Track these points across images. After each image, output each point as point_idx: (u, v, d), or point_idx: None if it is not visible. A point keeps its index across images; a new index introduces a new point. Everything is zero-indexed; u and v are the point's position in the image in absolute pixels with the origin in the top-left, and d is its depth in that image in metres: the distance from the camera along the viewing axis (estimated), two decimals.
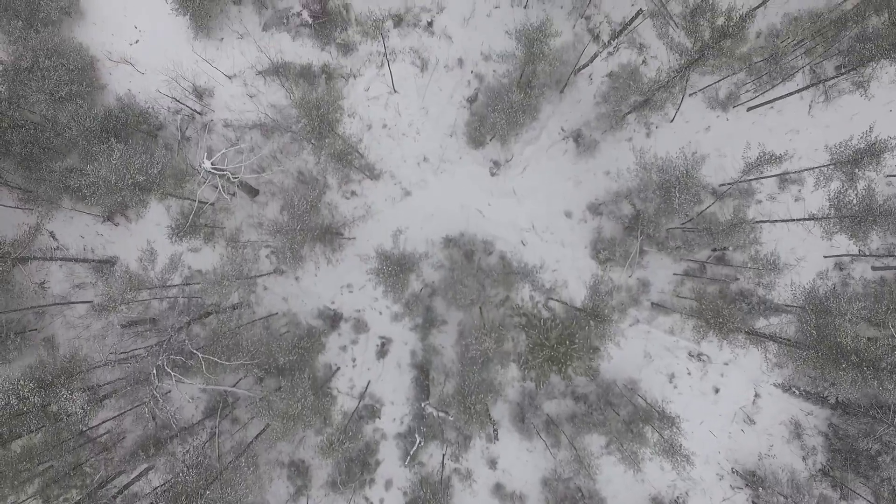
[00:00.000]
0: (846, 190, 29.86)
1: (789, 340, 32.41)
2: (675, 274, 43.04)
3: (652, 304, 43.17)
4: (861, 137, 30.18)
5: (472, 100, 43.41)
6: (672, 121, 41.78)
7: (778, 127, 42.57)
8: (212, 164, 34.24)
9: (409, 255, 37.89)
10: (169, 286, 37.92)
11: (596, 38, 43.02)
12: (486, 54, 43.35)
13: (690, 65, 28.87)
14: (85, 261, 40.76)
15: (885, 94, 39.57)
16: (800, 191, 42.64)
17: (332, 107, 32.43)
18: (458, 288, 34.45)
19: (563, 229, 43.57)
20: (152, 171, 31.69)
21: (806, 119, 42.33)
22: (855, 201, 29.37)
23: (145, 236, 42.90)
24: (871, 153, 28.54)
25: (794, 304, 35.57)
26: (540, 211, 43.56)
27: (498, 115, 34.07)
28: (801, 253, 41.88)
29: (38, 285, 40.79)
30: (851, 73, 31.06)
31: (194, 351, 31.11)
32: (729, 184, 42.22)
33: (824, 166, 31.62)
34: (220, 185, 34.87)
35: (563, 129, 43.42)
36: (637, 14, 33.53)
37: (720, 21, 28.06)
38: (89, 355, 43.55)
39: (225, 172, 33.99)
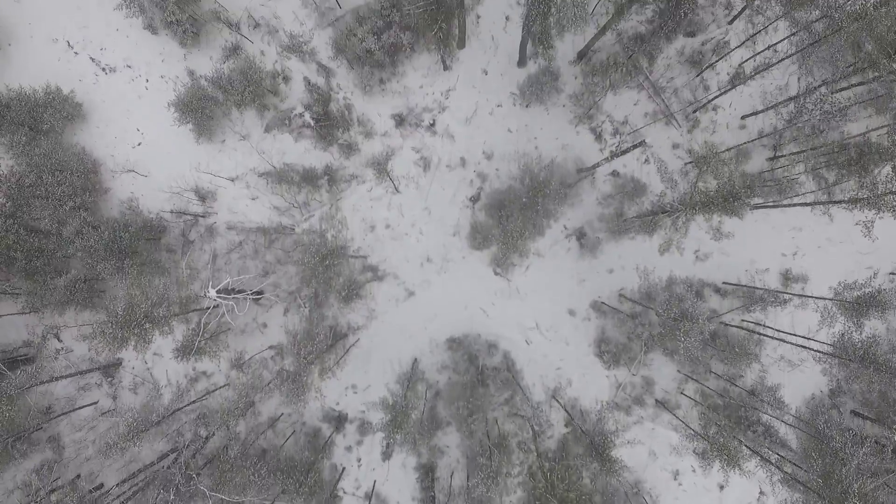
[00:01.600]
0: (851, 333, 29.91)
1: (795, 464, 32.46)
2: (679, 371, 43.08)
3: (656, 401, 43.25)
4: (865, 281, 30.25)
5: (474, 199, 43.46)
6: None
7: (781, 224, 42.54)
8: (217, 292, 34.28)
9: (413, 381, 37.90)
10: (175, 410, 37.91)
11: (598, 137, 43.07)
12: (489, 153, 43.42)
13: (693, 209, 28.96)
14: (90, 371, 40.80)
15: None
16: (803, 288, 42.65)
17: (336, 259, 32.53)
18: (464, 424, 34.50)
19: (566, 327, 43.61)
20: (158, 313, 31.74)
21: (809, 217, 42.24)
22: (859, 344, 29.43)
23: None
24: (875, 304, 28.61)
25: (798, 421, 35.60)
26: (544, 309, 43.60)
27: (504, 246, 34.16)
28: (805, 354, 41.93)
29: (44, 411, 40.87)
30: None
31: (203, 489, 31.18)
32: (732, 284, 42.41)
33: (828, 299, 31.67)
34: (225, 310, 34.93)
35: (565, 228, 43.44)
36: (640, 143, 33.53)
37: (725, 174, 28.06)
38: (93, 457, 44.08)
39: (230, 302, 34.04)
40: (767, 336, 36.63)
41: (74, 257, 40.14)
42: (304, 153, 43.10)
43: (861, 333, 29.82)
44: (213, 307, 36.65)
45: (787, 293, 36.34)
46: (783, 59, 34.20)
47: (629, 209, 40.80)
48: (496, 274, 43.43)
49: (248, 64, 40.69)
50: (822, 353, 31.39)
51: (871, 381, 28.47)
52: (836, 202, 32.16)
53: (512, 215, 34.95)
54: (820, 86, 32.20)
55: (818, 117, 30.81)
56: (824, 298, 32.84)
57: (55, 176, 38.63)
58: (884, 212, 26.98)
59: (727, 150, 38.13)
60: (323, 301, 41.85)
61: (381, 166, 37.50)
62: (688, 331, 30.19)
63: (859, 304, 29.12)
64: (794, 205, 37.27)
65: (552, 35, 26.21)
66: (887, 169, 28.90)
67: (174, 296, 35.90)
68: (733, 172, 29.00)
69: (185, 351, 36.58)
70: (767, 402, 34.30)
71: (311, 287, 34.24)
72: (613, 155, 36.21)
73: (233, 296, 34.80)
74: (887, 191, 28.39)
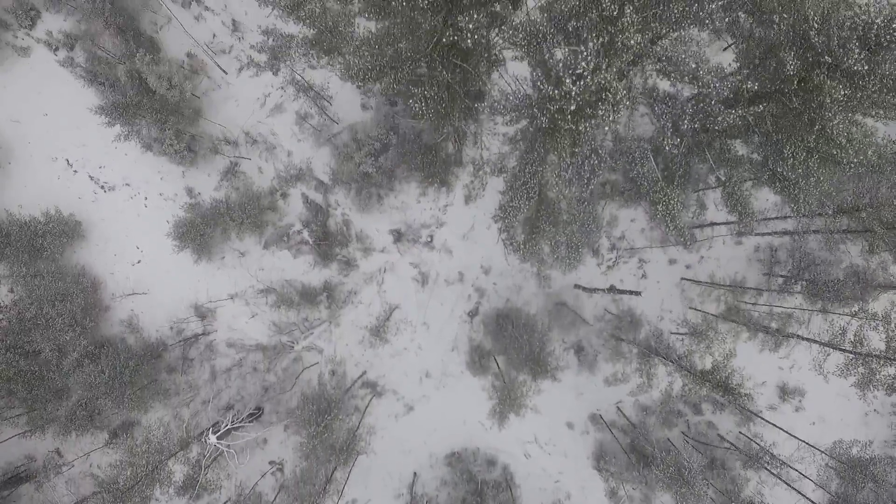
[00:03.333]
0: (848, 495, 30.23)
1: None
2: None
3: None
4: (862, 447, 30.56)
5: (472, 314, 43.68)
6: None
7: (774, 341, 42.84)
8: (216, 437, 34.50)
9: None
10: None
11: (596, 252, 43.26)
12: (486, 268, 43.63)
13: (690, 387, 29.29)
14: (89, 498, 40.99)
15: None
16: (800, 401, 42.95)
17: (336, 415, 32.83)
18: None
19: (565, 440, 43.85)
20: (160, 473, 32.01)
21: (802, 331, 42.56)
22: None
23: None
24: (870, 477, 28.89)
25: None
26: (542, 423, 43.81)
27: (501, 405, 34.47)
28: (803, 469, 42.17)
29: None
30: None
31: None
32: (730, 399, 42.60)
33: (823, 452, 31.94)
34: (226, 453, 35.14)
35: (564, 341, 43.67)
36: (636, 293, 33.82)
37: (723, 349, 28.35)
38: None
39: (231, 450, 34.27)
40: (766, 468, 36.93)
41: (74, 389, 40.38)
42: (303, 270, 43.31)
43: (857, 497, 30.20)
44: (214, 444, 36.83)
45: (782, 430, 36.58)
46: (776, 217, 34.46)
47: (626, 334, 41.03)
48: (494, 389, 43.62)
49: (246, 192, 40.98)
50: None
51: None
52: (833, 347, 32.36)
53: (511, 367, 35.20)
54: (816, 230, 32.48)
55: (814, 291, 31.23)
56: (820, 450, 33.12)
57: (55, 306, 38.84)
58: (876, 388, 27.29)
59: (723, 286, 38.37)
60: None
61: (378, 330, 37.79)
62: (685, 494, 30.48)
63: (854, 468, 29.40)
64: (788, 335, 37.44)
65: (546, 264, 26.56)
66: (881, 343, 29.22)
67: (174, 436, 36.09)
68: (730, 353, 29.34)
69: (186, 488, 36.80)
70: None
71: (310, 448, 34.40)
72: (611, 289, 36.42)
73: (233, 440, 35.01)
74: (882, 356, 28.61)
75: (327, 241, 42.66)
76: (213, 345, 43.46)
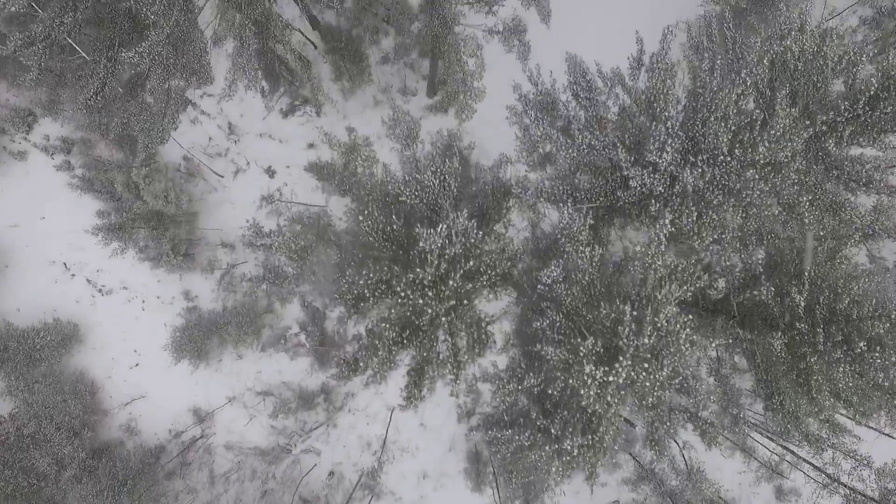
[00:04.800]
0: None
1: None
2: None
3: None
4: None
5: (469, 413, 43.88)
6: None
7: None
8: None
9: None
10: None
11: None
12: (483, 369, 43.77)
13: None
14: None
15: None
16: (796, 501, 43.17)
17: None
18: None
19: None
20: None
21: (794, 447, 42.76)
22: None
23: None
24: None
25: None
26: None
27: None
28: None
29: None
30: None
31: None
32: (724, 501, 42.74)
33: None
34: None
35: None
36: (633, 424, 34.00)
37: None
38: None
39: None
40: None
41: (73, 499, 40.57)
42: (301, 377, 43.48)
43: None
44: None
45: None
46: None
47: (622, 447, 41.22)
48: (495, 480, 43.91)
49: (243, 301, 41.18)
50: None
51: None
52: (830, 478, 32.55)
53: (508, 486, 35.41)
54: None
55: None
56: None
57: (53, 421, 39.00)
58: None
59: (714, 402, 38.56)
60: None
61: (374, 473, 37.99)
62: None
63: None
64: (784, 474, 37.60)
65: None
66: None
67: None
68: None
69: None
70: None
71: None
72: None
73: None
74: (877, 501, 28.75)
75: (325, 345, 42.83)
76: (211, 448, 43.61)
